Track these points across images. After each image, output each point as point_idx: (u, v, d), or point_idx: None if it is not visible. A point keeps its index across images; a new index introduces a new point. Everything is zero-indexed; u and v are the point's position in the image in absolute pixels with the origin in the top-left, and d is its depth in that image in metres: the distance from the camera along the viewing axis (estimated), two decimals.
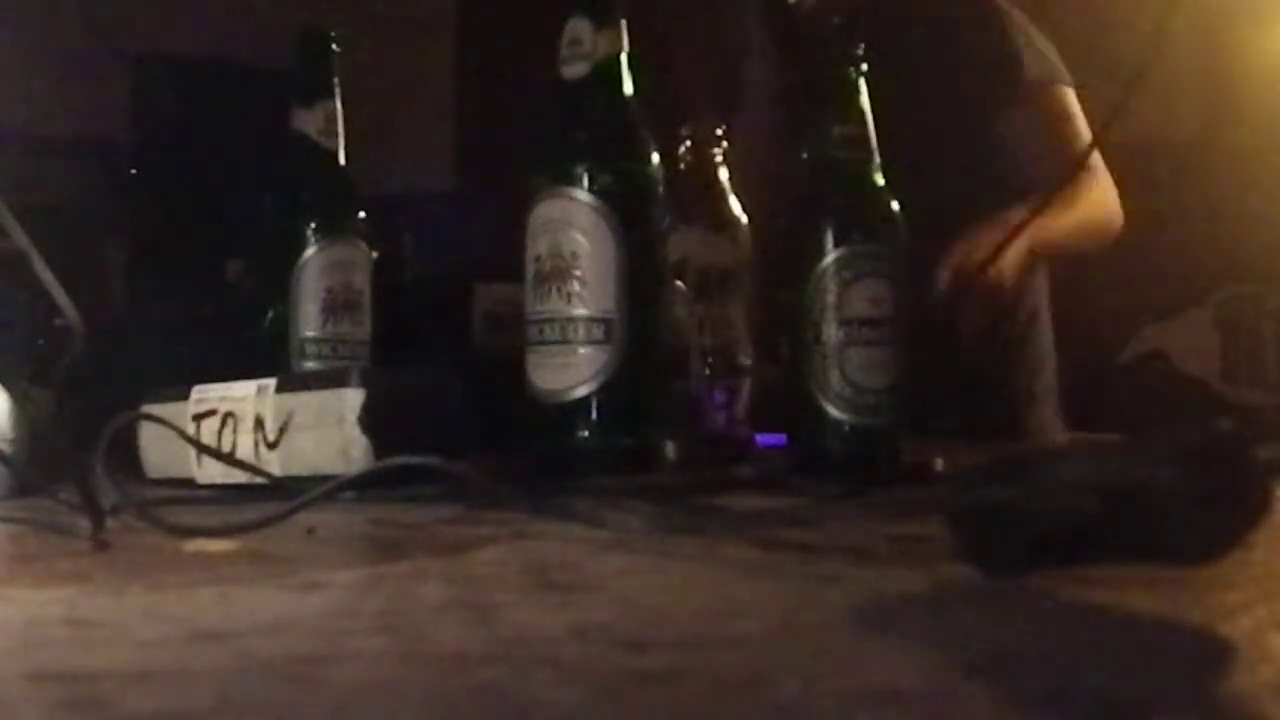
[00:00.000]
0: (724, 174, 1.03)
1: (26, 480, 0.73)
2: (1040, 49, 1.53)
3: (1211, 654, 0.37)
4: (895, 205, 0.89)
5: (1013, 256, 1.31)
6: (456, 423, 0.78)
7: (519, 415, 0.87)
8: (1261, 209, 2.35)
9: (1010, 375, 1.58)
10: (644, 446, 0.88)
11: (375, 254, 1.05)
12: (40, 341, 0.84)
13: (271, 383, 0.78)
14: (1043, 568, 0.44)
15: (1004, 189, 1.52)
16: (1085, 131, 1.49)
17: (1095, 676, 0.33)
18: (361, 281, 1.02)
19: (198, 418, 0.80)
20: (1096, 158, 1.48)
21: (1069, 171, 1.37)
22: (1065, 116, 1.51)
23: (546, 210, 0.86)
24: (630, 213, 0.86)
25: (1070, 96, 1.53)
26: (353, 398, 0.74)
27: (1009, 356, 1.57)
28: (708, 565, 0.52)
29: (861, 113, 0.89)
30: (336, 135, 1.03)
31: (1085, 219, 1.48)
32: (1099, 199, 1.50)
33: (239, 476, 0.77)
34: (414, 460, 0.69)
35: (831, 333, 0.86)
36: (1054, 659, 0.36)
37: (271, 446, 0.76)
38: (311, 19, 1.07)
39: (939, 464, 0.89)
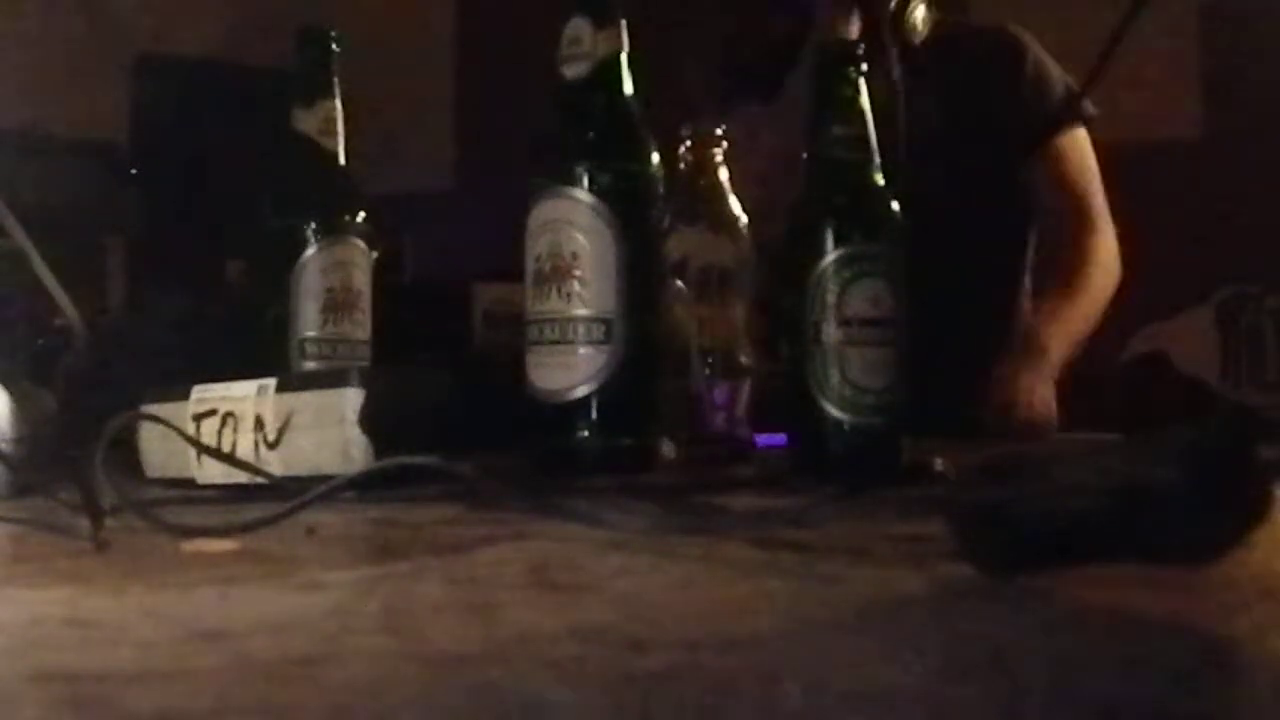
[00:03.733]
0: (724, 174, 1.03)
1: (26, 480, 0.73)
2: (1058, 81, 1.60)
3: (1211, 654, 0.37)
4: (895, 205, 0.89)
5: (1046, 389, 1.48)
6: (456, 423, 0.78)
7: (519, 415, 0.87)
8: (1261, 209, 2.34)
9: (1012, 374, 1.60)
10: (644, 446, 0.88)
11: (375, 254, 1.05)
12: (40, 341, 0.84)
13: (271, 383, 0.78)
14: (1043, 568, 0.44)
15: (1019, 228, 1.65)
16: (1096, 176, 1.60)
17: (1095, 676, 0.33)
18: (361, 281, 1.02)
19: (198, 418, 0.80)
20: (1101, 208, 1.59)
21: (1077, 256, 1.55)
22: (1080, 165, 1.60)
23: (546, 210, 0.86)
24: (630, 213, 0.86)
25: (1084, 139, 1.61)
26: (353, 398, 0.74)
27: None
28: (708, 565, 0.52)
29: (861, 113, 0.89)
30: (336, 135, 1.03)
31: (1098, 300, 1.58)
32: (1106, 268, 1.60)
33: (239, 476, 0.77)
34: (414, 460, 0.69)
35: (831, 333, 0.86)
36: (1054, 659, 0.35)
37: (271, 446, 0.76)
38: (311, 19, 1.07)
39: (939, 464, 0.89)
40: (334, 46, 1.04)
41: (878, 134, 0.90)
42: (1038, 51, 1.61)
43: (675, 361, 0.96)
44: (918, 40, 1.58)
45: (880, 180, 0.90)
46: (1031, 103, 1.58)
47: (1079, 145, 1.61)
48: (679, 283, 0.99)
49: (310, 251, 1.00)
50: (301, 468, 0.75)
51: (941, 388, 1.34)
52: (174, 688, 0.32)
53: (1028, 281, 1.66)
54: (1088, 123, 1.61)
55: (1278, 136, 2.39)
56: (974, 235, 1.54)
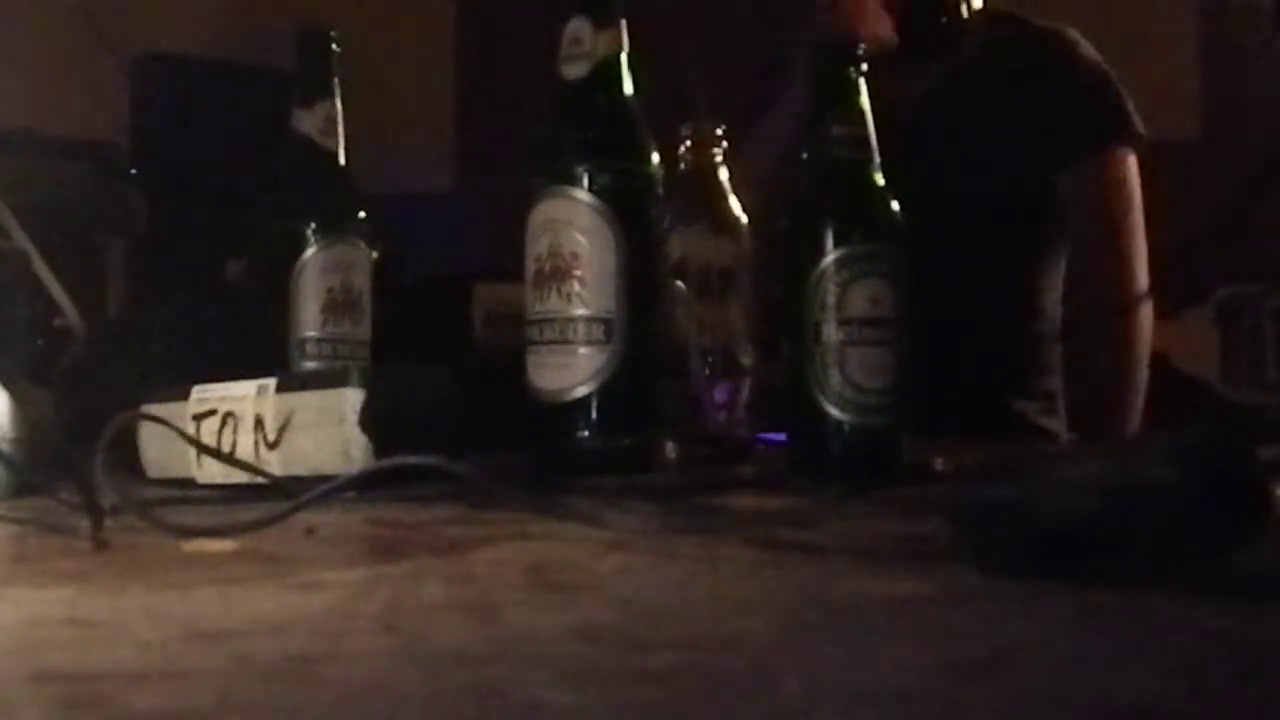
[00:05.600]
0: (724, 174, 1.03)
1: (26, 480, 0.73)
2: (1109, 93, 1.51)
3: (1211, 654, 0.37)
4: (895, 205, 0.89)
5: None
6: (456, 423, 0.78)
7: (519, 415, 0.87)
8: (1261, 209, 2.34)
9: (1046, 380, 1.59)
10: (644, 446, 0.88)
11: (375, 254, 1.05)
12: (40, 341, 0.84)
13: (271, 383, 0.78)
14: (1043, 568, 0.45)
15: (1047, 244, 1.57)
16: (1134, 203, 1.51)
17: (1095, 677, 0.33)
18: (361, 281, 1.02)
19: (198, 418, 0.80)
20: (1132, 241, 1.52)
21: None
22: (1116, 188, 1.51)
23: (546, 210, 0.86)
24: (630, 213, 0.86)
25: (1131, 161, 1.52)
26: (353, 398, 0.74)
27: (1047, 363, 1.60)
28: (708, 565, 0.52)
29: (861, 113, 0.89)
30: (336, 135, 1.03)
31: (1143, 362, 1.55)
32: (1144, 326, 1.55)
33: (239, 476, 0.77)
34: (414, 460, 0.69)
35: (831, 333, 0.86)
36: (1054, 659, 0.35)
37: (271, 446, 0.76)
38: (311, 19, 1.07)
39: (939, 464, 0.89)
40: (334, 46, 1.04)
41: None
42: (1091, 58, 1.51)
43: (675, 361, 0.96)
44: (964, 27, 1.50)
45: (880, 180, 0.90)
46: (1076, 113, 1.49)
47: (1120, 166, 1.51)
48: (679, 283, 0.99)
49: (310, 251, 1.00)
50: (301, 468, 0.75)
51: (952, 392, 1.33)
52: (174, 688, 0.32)
53: (1053, 298, 1.58)
54: (1137, 143, 1.51)
55: (1278, 136, 2.39)
56: (997, 237, 1.49)
